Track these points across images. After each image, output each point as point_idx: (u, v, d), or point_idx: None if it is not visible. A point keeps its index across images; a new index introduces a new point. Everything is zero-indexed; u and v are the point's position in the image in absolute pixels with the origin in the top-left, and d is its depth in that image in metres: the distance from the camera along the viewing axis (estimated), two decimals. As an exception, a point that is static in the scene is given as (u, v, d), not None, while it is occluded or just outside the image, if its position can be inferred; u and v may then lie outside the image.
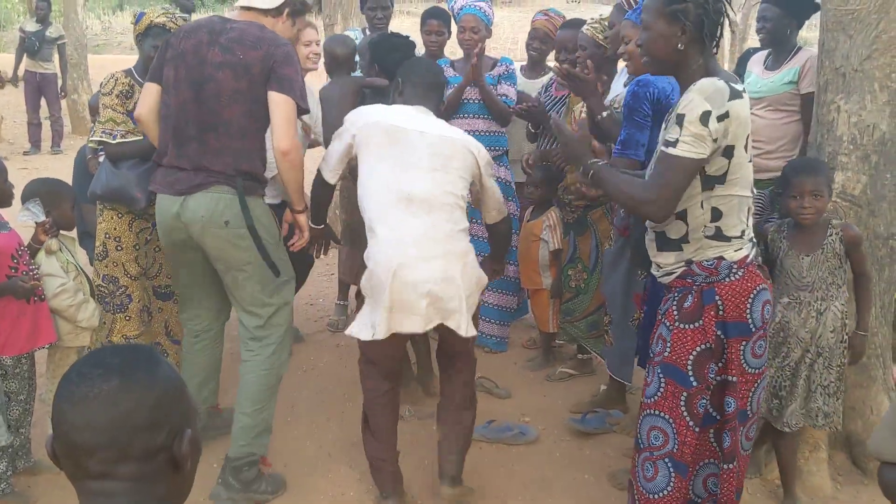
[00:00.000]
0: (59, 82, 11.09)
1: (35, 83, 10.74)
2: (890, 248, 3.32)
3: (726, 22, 2.47)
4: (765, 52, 4.28)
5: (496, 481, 3.38)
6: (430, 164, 2.91)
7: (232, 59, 2.97)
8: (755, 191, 4.04)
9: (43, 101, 10.89)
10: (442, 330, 2.97)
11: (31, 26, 10.71)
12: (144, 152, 3.47)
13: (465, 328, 2.90)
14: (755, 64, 4.29)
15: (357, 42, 4.70)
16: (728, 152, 2.34)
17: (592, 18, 3.91)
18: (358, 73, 4.47)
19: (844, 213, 3.28)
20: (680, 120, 2.31)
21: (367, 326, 2.90)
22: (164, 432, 1.17)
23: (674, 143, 2.31)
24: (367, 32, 4.98)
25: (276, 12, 3.14)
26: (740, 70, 4.96)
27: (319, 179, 3.16)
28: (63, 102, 11.39)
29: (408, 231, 2.85)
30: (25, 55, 10.67)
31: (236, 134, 3.01)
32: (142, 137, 3.49)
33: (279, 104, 2.98)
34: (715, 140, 2.29)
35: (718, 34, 2.41)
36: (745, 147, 2.37)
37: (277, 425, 3.69)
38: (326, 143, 4.26)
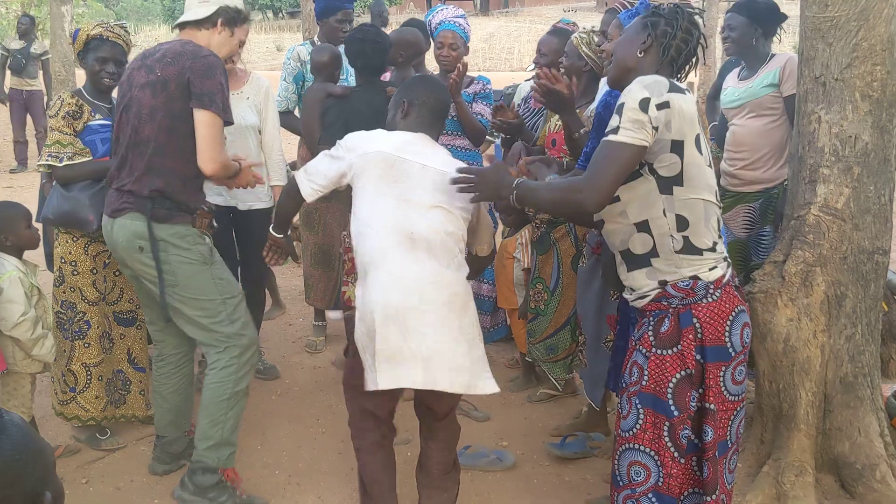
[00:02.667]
0: (45, 99, 10.99)
1: (21, 101, 10.68)
2: (875, 262, 3.19)
3: (697, 57, 2.50)
4: (738, 68, 4.23)
5: (470, 511, 3.25)
6: (432, 201, 2.67)
7: (152, 77, 2.96)
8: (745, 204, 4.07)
9: (29, 119, 10.80)
10: (424, 392, 2.73)
11: (16, 44, 10.64)
12: (95, 173, 3.41)
13: (481, 385, 2.63)
14: (730, 79, 4.24)
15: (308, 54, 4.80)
16: (677, 148, 2.27)
17: (584, 29, 3.82)
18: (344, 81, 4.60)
19: (827, 227, 3.16)
20: (619, 108, 2.27)
21: (369, 379, 2.62)
22: (19, 499, 1.14)
23: (614, 130, 2.27)
24: (318, 42, 4.89)
25: (208, 23, 3.10)
26: (721, 81, 4.86)
27: (294, 190, 2.85)
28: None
29: (409, 276, 2.58)
30: (10, 73, 10.58)
31: (155, 151, 2.98)
32: (91, 158, 3.41)
33: (200, 121, 2.94)
34: (655, 128, 2.24)
35: (682, 66, 2.46)
36: (699, 149, 2.31)
37: (246, 451, 3.61)
38: (308, 146, 4.30)
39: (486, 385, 2.65)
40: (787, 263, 3.22)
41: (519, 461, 3.60)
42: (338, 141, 2.82)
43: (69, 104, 3.48)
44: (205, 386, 3.18)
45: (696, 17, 2.49)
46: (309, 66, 4.69)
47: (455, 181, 2.62)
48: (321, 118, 4.14)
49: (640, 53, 2.43)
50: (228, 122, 3.03)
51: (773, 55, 4.03)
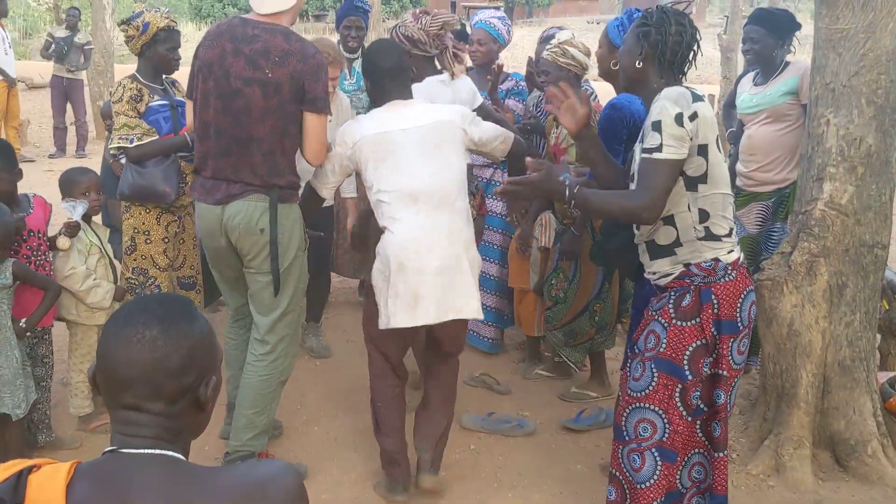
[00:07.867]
0: (86, 88, 11.33)
1: (62, 88, 11.00)
2: (875, 255, 3.47)
3: (696, 55, 2.69)
4: (752, 73, 4.48)
5: (493, 468, 3.54)
6: (423, 158, 3.04)
7: (260, 76, 3.00)
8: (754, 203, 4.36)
9: (69, 106, 11.17)
10: (435, 330, 3.15)
11: (61, 32, 11.01)
12: (164, 150, 3.68)
13: (477, 310, 3.08)
14: (744, 84, 4.49)
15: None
16: (703, 151, 2.53)
17: (551, 44, 4.11)
18: None
19: (832, 221, 3.44)
20: (657, 126, 2.50)
21: (382, 316, 3.06)
22: (193, 376, 1.31)
23: (658, 149, 2.49)
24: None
25: (296, 8, 3.15)
26: (736, 90, 5.12)
27: (313, 194, 3.29)
28: (89, 108, 11.64)
29: (417, 227, 3.00)
30: (53, 60, 10.95)
31: (268, 150, 3.08)
32: (157, 137, 3.69)
33: (314, 125, 3.09)
34: (691, 139, 2.50)
35: (682, 64, 2.65)
36: (719, 147, 2.58)
37: (287, 413, 3.91)
38: None
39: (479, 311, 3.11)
40: (794, 254, 3.50)
41: (538, 429, 3.91)
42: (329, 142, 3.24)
43: (131, 89, 3.72)
44: (251, 375, 3.28)
45: (684, 13, 2.65)
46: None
47: (504, 193, 2.82)
48: None
49: (639, 64, 2.65)
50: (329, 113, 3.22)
51: (787, 63, 4.30)
